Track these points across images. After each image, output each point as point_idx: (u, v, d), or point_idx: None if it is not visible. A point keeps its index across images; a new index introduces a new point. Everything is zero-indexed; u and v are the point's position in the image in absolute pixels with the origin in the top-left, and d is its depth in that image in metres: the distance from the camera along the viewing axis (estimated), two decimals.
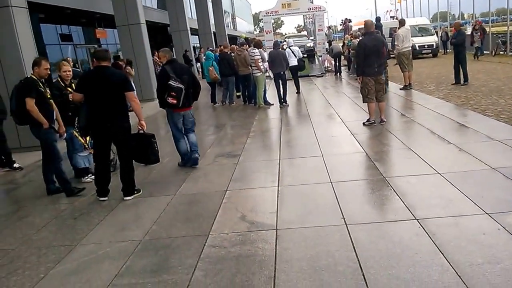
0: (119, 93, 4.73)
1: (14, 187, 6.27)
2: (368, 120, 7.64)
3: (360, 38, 14.63)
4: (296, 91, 12.84)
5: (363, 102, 7.80)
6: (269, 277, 3.07)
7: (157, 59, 16.69)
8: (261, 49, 11.13)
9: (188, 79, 5.69)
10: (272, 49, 11.35)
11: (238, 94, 12.84)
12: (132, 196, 4.97)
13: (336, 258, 3.24)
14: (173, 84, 5.42)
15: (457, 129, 6.99)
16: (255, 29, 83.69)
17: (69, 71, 5.58)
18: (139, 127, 4.99)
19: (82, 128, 4.99)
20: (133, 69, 13.21)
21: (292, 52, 12.07)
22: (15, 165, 6.98)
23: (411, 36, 18.32)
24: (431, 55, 23.50)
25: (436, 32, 25.33)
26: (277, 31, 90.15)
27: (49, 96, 5.19)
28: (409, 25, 19.26)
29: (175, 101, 5.44)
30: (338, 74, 17.92)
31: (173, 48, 21.38)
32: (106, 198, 5.00)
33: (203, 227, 4.04)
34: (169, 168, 6.24)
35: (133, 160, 5.08)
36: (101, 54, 4.84)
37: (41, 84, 5.06)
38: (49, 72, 5.23)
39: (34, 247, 3.94)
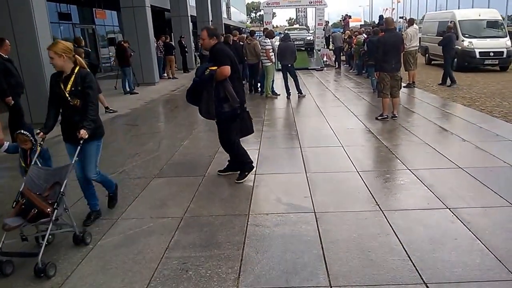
0: None
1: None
2: (381, 115, 7.82)
3: (365, 34, 14.92)
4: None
5: (378, 97, 7.98)
6: (318, 255, 3.20)
7: (161, 42, 16.61)
8: (272, 40, 11.18)
9: None
10: (281, 42, 11.39)
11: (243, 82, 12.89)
12: None
13: (379, 241, 3.39)
14: None
15: (468, 127, 7.21)
16: (247, 19, 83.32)
17: None
18: None
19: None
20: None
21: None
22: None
23: (473, 35, 14.66)
24: (498, 67, 15.39)
25: (510, 33, 15.92)
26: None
27: None
28: (471, 19, 15.56)
29: None
30: (338, 68, 18.17)
31: (172, 34, 21.16)
32: None
33: (241, 207, 4.15)
34: (190, 150, 6.31)
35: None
36: (216, 31, 4.85)
37: None
38: None
39: (74, 219, 3.89)
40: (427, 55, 18.62)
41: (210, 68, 4.47)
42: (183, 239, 3.54)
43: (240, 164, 4.98)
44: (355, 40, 15.66)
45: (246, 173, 4.91)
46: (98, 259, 3.29)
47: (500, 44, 14.90)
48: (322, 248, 3.30)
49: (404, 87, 11.80)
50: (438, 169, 5.02)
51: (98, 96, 3.79)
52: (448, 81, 11.98)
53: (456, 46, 14.70)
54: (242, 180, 4.84)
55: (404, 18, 23.07)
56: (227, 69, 4.46)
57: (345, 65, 18.82)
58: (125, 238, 3.60)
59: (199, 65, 13.83)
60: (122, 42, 13.11)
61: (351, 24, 27.19)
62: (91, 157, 3.78)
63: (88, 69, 3.74)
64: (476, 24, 15.76)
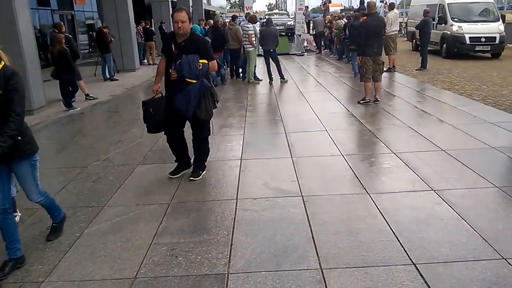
0: None
1: None
2: (363, 99, 7.86)
3: (345, 19, 14.93)
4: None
5: (360, 81, 8.01)
6: (307, 238, 3.21)
7: (141, 28, 16.23)
8: (254, 25, 11.06)
9: None
10: (264, 27, 11.27)
11: (224, 67, 12.76)
12: None
13: (367, 222, 3.43)
14: None
15: (449, 110, 7.35)
16: (227, 5, 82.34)
17: None
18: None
19: None
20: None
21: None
22: None
23: (463, 19, 13.65)
24: (489, 54, 14.38)
25: (503, 17, 14.97)
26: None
27: None
28: (461, 2, 14.39)
29: None
30: (318, 53, 18.20)
31: (152, 20, 20.66)
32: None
33: (228, 192, 4.12)
34: None
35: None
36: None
37: None
38: None
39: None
40: (414, 40, 17.35)
41: (200, 61, 4.04)
42: (171, 225, 3.50)
43: (201, 161, 4.60)
44: (335, 24, 15.64)
45: (201, 172, 4.56)
46: (86, 247, 3.22)
47: (492, 28, 13.83)
48: (311, 230, 3.31)
49: (384, 71, 11.91)
50: (421, 151, 5.09)
51: (24, 104, 2.82)
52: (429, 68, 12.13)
53: (445, 31, 14.42)
54: (198, 178, 4.47)
55: (384, 2, 23.07)
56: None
57: (325, 50, 18.84)
58: (112, 225, 3.54)
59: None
60: (102, 28, 12.76)
61: (331, 9, 27.11)
62: (25, 178, 3.04)
63: (13, 68, 2.79)
64: (466, 8, 14.66)
